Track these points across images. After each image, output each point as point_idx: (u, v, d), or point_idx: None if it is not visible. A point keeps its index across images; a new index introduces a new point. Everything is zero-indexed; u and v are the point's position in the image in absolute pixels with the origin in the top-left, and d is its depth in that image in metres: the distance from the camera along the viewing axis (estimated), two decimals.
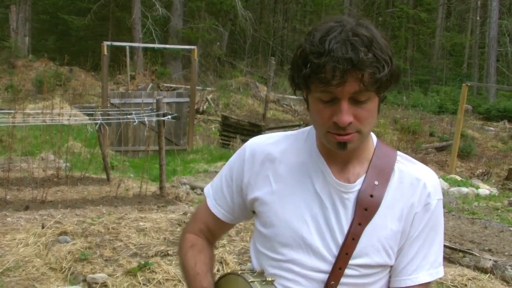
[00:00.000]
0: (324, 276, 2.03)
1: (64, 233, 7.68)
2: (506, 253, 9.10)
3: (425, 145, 22.18)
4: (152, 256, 6.94)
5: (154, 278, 6.50)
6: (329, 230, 2.03)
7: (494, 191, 15.68)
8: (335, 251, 2.02)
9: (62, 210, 9.09)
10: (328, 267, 2.03)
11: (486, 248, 9.34)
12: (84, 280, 6.47)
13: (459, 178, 16.36)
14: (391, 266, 2.11)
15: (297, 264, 2.05)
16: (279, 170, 2.11)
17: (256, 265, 2.20)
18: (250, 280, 2.04)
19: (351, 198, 2.04)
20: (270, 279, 2.07)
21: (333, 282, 2.02)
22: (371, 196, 2.02)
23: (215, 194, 2.28)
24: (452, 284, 7.47)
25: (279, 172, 2.11)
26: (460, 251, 8.73)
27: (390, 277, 2.13)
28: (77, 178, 11.52)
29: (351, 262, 2.01)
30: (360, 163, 2.08)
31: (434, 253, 2.12)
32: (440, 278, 7.41)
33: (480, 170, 19.41)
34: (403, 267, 2.09)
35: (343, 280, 2.02)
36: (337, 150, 1.95)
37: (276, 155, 2.13)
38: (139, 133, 16.16)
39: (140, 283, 6.44)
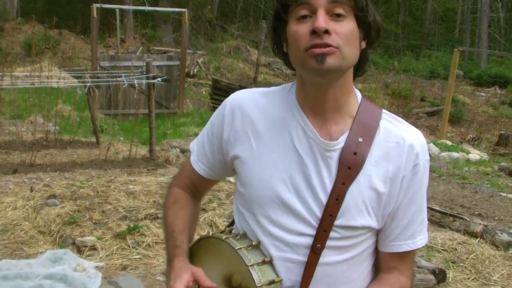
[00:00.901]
0: (309, 240, 1.96)
1: (53, 196, 7.63)
2: (496, 218, 9.13)
3: (416, 110, 22.17)
4: (141, 219, 6.90)
5: (143, 241, 6.47)
6: (310, 190, 1.95)
7: (485, 156, 15.71)
8: (318, 213, 1.94)
9: (51, 174, 9.02)
10: (311, 230, 1.96)
11: (476, 212, 9.36)
12: (73, 243, 6.44)
13: (449, 143, 16.36)
14: (378, 231, 2.05)
15: (278, 227, 1.99)
16: (258, 126, 2.03)
17: (239, 226, 2.14)
18: (237, 248, 1.96)
19: (334, 156, 1.95)
20: (255, 243, 2.01)
21: (319, 245, 1.95)
22: (355, 154, 1.94)
23: (198, 150, 2.21)
24: (442, 248, 7.48)
25: (258, 129, 2.03)
26: (450, 215, 8.73)
27: (383, 241, 2.07)
28: (66, 141, 11.43)
29: (335, 223, 1.94)
30: (343, 119, 1.98)
31: (425, 216, 2.09)
32: (430, 242, 7.43)
33: (471, 135, 19.44)
34: (400, 232, 2.03)
35: (328, 243, 1.96)
36: (316, 68, 1.83)
37: (256, 111, 2.05)
38: (129, 96, 16.05)
39: (129, 246, 6.41)
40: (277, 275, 1.97)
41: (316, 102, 1.96)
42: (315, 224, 1.95)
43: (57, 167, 9.49)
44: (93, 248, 6.35)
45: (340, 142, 1.95)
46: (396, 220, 2.02)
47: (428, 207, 8.95)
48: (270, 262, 1.98)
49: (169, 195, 2.29)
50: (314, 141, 1.95)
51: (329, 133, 1.97)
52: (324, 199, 1.94)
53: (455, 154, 14.90)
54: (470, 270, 6.93)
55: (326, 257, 1.97)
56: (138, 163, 10.14)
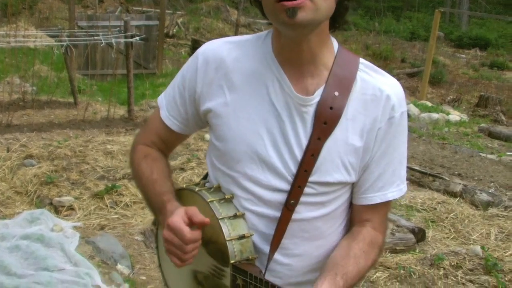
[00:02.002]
0: (283, 196, 1.91)
1: (30, 156, 7.56)
2: (476, 178, 9.16)
3: (397, 71, 22.08)
4: (119, 179, 6.85)
5: (121, 201, 6.43)
6: (286, 146, 1.89)
7: (465, 117, 15.75)
8: (294, 169, 1.89)
9: (28, 134, 8.92)
10: (286, 186, 1.90)
11: (456, 172, 9.38)
12: (50, 204, 6.38)
13: (430, 104, 16.38)
14: (352, 183, 1.99)
15: (253, 182, 1.93)
16: (233, 78, 1.94)
17: (213, 179, 2.07)
18: (209, 200, 1.91)
19: (309, 111, 1.88)
20: (228, 196, 1.95)
21: (292, 201, 1.89)
22: (331, 108, 1.87)
23: (168, 105, 2.11)
24: (422, 207, 7.51)
25: (233, 81, 1.94)
26: (430, 175, 8.75)
27: (355, 193, 2.02)
28: (43, 102, 11.30)
29: (310, 179, 1.88)
30: (318, 72, 1.90)
31: (401, 169, 2.01)
32: (410, 202, 7.44)
33: (451, 97, 19.44)
34: (370, 184, 1.97)
35: (302, 198, 1.90)
36: (288, 23, 1.74)
37: (230, 62, 1.95)
38: (107, 56, 15.84)
39: (107, 206, 6.36)
40: (248, 230, 1.92)
41: (292, 54, 1.88)
42: (290, 179, 1.89)
43: (34, 128, 9.38)
44: (71, 208, 6.31)
45: (316, 96, 1.88)
46: (368, 172, 1.96)
47: (408, 167, 8.96)
48: (242, 216, 1.94)
49: (136, 152, 2.18)
50: (290, 96, 1.88)
51: (305, 86, 1.89)
52: (299, 155, 1.88)
53: (435, 115, 14.91)
54: (450, 229, 6.95)
55: (301, 213, 1.93)
56: (116, 123, 10.06)
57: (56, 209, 6.27)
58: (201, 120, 2.06)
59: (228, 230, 1.88)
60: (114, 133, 9.31)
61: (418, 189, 8.37)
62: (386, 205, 2.04)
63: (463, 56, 28.51)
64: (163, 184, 2.05)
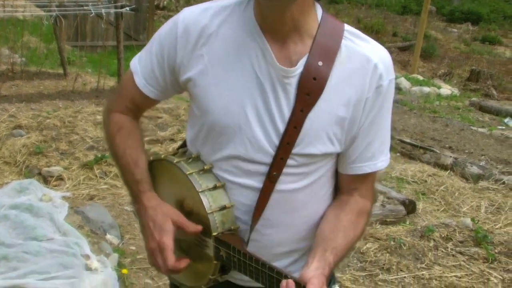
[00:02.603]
0: (265, 168, 1.87)
1: (19, 127, 7.51)
2: (466, 151, 9.17)
3: (388, 44, 22.01)
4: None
5: (110, 171, 6.39)
6: (269, 118, 1.84)
7: (456, 91, 15.75)
8: (276, 141, 1.84)
9: (16, 104, 8.85)
10: (269, 158, 1.86)
11: (447, 145, 9.39)
12: (39, 174, 6.34)
13: (421, 78, 16.35)
14: (338, 154, 1.96)
15: (235, 154, 1.89)
16: (214, 47, 1.87)
17: (192, 149, 2.03)
18: (188, 173, 1.88)
19: (292, 82, 1.82)
20: (207, 166, 1.92)
21: (275, 173, 1.86)
22: (314, 79, 1.81)
23: (145, 73, 2.02)
24: (412, 180, 7.51)
25: (214, 50, 1.87)
26: (421, 148, 8.75)
27: (343, 163, 1.98)
28: (33, 72, 11.20)
29: (293, 151, 1.85)
30: (302, 40, 1.84)
31: (387, 138, 1.99)
32: (400, 174, 7.44)
33: (442, 71, 19.43)
34: (359, 154, 1.94)
35: (284, 170, 1.87)
36: None
37: (211, 30, 1.88)
38: (97, 28, 15.71)
39: (96, 176, 6.33)
40: (229, 201, 1.90)
41: (274, 23, 1.81)
42: (272, 152, 1.85)
43: (23, 98, 9.30)
44: (60, 178, 6.27)
45: (299, 67, 1.82)
46: (357, 142, 1.92)
47: (399, 140, 8.97)
48: (222, 187, 1.91)
49: (111, 123, 2.11)
50: (273, 67, 1.82)
51: (288, 56, 1.83)
52: (281, 127, 1.83)
53: (426, 89, 14.89)
54: (440, 202, 6.97)
55: (283, 184, 1.89)
56: (106, 94, 9.99)
57: (45, 179, 6.23)
58: (181, 88, 2.00)
59: (209, 202, 1.86)
60: (103, 104, 9.23)
61: (408, 162, 8.37)
62: (374, 174, 2.01)
63: (455, 30, 28.44)
64: (136, 170, 2.01)
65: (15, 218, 5.00)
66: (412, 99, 13.29)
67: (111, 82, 10.88)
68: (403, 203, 6.40)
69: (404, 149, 8.85)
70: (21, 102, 9.06)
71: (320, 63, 1.82)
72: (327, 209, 2.02)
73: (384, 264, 5.21)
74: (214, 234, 1.85)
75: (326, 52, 1.83)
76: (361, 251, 5.40)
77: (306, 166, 1.90)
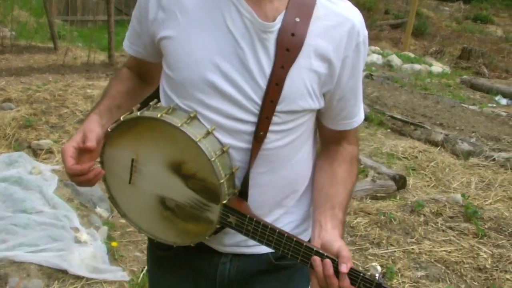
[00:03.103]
0: (251, 127, 1.83)
1: (8, 100, 7.45)
2: (457, 128, 9.17)
3: (380, 22, 21.94)
4: None
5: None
6: (248, 75, 1.79)
7: (447, 69, 15.75)
8: (258, 99, 1.81)
9: (6, 78, 8.81)
10: (252, 117, 1.83)
11: (438, 122, 9.39)
12: (29, 147, 6.30)
13: (412, 55, 16.32)
14: (319, 109, 1.95)
15: (214, 112, 1.83)
16: (186, 4, 1.83)
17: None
18: (212, 159, 1.77)
19: (270, 38, 1.78)
20: (192, 114, 1.82)
21: (261, 132, 1.83)
22: (293, 35, 1.78)
23: (130, 34, 2.04)
24: (403, 155, 7.51)
25: (185, 6, 1.81)
26: (412, 124, 8.75)
27: (329, 119, 1.99)
28: (22, 46, 11.15)
29: (277, 109, 1.82)
30: None
31: (361, 90, 2.01)
32: (391, 150, 7.43)
33: (434, 49, 19.39)
34: (349, 111, 1.97)
35: (270, 128, 1.84)
36: None
37: None
38: (88, 2, 15.63)
39: None
40: (222, 144, 1.84)
41: None
42: (256, 111, 1.82)
43: (13, 72, 9.25)
44: (50, 151, 6.23)
45: (277, 23, 1.79)
46: (345, 99, 1.94)
47: (389, 116, 8.98)
48: (213, 132, 1.83)
49: (116, 74, 2.17)
50: (251, 22, 1.78)
51: (264, 12, 1.80)
52: (263, 84, 1.80)
53: (417, 66, 14.89)
54: (430, 178, 6.97)
55: (269, 143, 1.87)
56: (96, 68, 9.94)
57: (35, 153, 6.19)
58: (158, 49, 1.95)
59: (221, 171, 1.78)
60: (94, 77, 9.20)
61: (399, 138, 8.37)
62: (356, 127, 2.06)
63: (447, 8, 28.38)
64: (103, 100, 2.02)
65: (4, 191, 4.98)
66: (403, 76, 13.28)
67: (101, 57, 10.82)
68: (393, 178, 6.40)
69: (394, 125, 8.84)
70: (11, 75, 9.01)
71: (297, 19, 1.80)
72: (319, 160, 2.04)
73: (374, 239, 5.21)
74: (224, 202, 1.81)
75: (303, 8, 1.82)
76: (351, 225, 5.40)
77: (288, 123, 1.88)
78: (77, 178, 1.88)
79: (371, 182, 6.23)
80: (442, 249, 5.10)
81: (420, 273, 4.82)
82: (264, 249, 1.96)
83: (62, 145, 6.15)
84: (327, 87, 1.88)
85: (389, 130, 8.75)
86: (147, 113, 1.84)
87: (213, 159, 1.77)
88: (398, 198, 6.24)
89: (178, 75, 1.84)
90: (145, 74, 2.15)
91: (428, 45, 20.22)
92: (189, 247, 1.96)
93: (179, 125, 1.77)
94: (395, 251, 5.05)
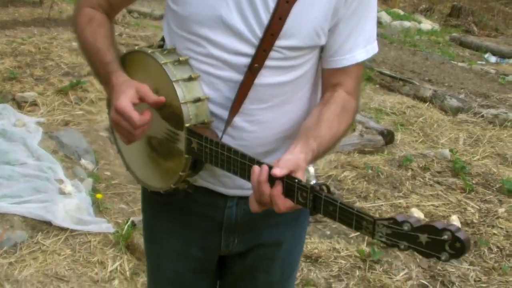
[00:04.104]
0: (248, 60, 1.81)
1: None
2: (446, 84, 9.14)
3: None
4: (84, 75, 6.68)
5: (86, 97, 6.29)
6: (251, 8, 1.77)
7: (436, 26, 15.67)
8: (259, 32, 1.78)
9: None
10: (251, 50, 1.80)
11: (426, 78, 9.35)
12: (13, 99, 6.22)
13: (401, 13, 16.25)
14: (322, 46, 1.91)
15: (216, 46, 1.81)
16: None
17: (170, 45, 1.93)
18: (162, 62, 1.80)
19: None
20: (183, 58, 1.84)
21: (256, 65, 1.80)
22: None
23: None
24: (391, 111, 7.48)
25: None
26: (400, 79, 8.70)
27: (324, 56, 1.94)
28: (7, 0, 10.97)
29: (277, 43, 1.79)
30: None
31: (369, 29, 1.93)
32: (379, 105, 7.40)
33: (423, 6, 19.27)
34: (339, 46, 1.89)
35: (267, 63, 1.81)
36: None
37: None
38: None
39: (71, 102, 6.22)
40: (204, 93, 1.84)
41: None
42: (256, 43, 1.79)
43: None
44: (34, 104, 6.15)
45: None
46: (337, 33, 1.88)
47: (378, 71, 8.91)
48: (197, 79, 1.84)
49: (81, 15, 2.01)
50: None
51: None
52: (265, 18, 1.77)
53: (406, 23, 14.82)
54: (418, 133, 6.95)
55: (267, 77, 1.84)
56: None
57: (19, 105, 6.11)
58: None
59: (183, 92, 1.79)
60: None
61: (388, 93, 8.33)
62: (357, 68, 1.96)
63: None
64: (107, 53, 1.91)
65: None
66: (392, 33, 13.21)
67: None
68: (381, 133, 6.37)
69: (383, 81, 8.79)
70: None
71: None
72: (313, 108, 1.97)
73: (361, 192, 5.19)
74: (187, 125, 1.79)
75: None
76: (338, 179, 5.37)
77: (290, 59, 1.85)
78: (140, 131, 1.78)
79: (359, 136, 6.19)
80: (430, 203, 5.09)
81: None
82: None
83: (47, 98, 6.13)
84: (331, 22, 1.84)
85: (377, 86, 8.70)
86: (143, 48, 1.91)
87: (175, 79, 1.78)
88: (386, 153, 6.21)
89: (184, 9, 1.82)
90: (114, 11, 2.09)
91: (417, 3, 20.08)
92: (191, 192, 1.97)
93: (162, 61, 1.80)
94: (382, 205, 5.03)
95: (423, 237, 1.41)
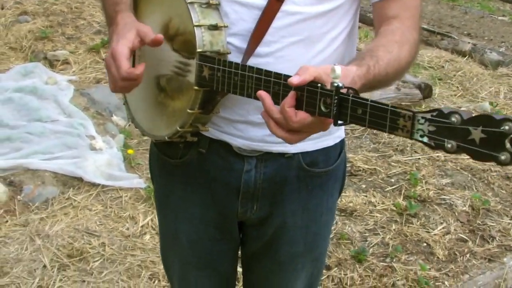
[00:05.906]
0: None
1: (25, 13, 7.31)
2: (486, 38, 8.91)
3: None
4: None
5: None
6: None
7: None
8: None
9: None
10: None
11: (465, 32, 9.12)
12: (45, 58, 6.19)
13: None
14: None
15: None
16: None
17: None
18: (189, 1, 1.64)
19: None
20: (214, 2, 1.67)
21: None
22: None
23: None
24: (429, 65, 7.31)
25: None
26: (438, 33, 8.48)
27: None
28: None
29: None
30: None
31: None
32: (417, 59, 7.22)
33: None
34: None
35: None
36: None
37: None
38: None
39: (103, 60, 6.16)
40: (223, 22, 1.66)
41: None
42: None
43: None
44: (66, 62, 6.13)
45: None
46: None
47: None
48: (216, 7, 1.68)
49: None
50: None
51: None
52: None
53: None
54: (457, 87, 6.78)
55: (294, 5, 1.66)
56: None
57: (51, 64, 6.09)
58: None
59: (198, 16, 1.63)
60: None
61: (425, 48, 8.12)
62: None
63: None
64: None
65: (19, 101, 4.92)
66: None
67: None
68: (418, 87, 6.21)
69: (421, 35, 8.60)
70: None
71: None
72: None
73: (398, 146, 5.08)
74: (199, 50, 1.63)
75: None
76: (374, 132, 5.26)
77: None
78: (129, 83, 1.64)
79: (396, 90, 6.03)
80: (468, 157, 4.95)
81: (445, 180, 4.70)
82: (293, 149, 1.77)
83: (79, 56, 6.09)
84: None
85: None
86: None
87: (190, 1, 1.64)
88: (423, 107, 6.06)
89: None
90: None
91: None
92: (204, 152, 1.83)
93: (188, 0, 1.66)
94: (419, 158, 4.91)
95: (477, 132, 1.15)
